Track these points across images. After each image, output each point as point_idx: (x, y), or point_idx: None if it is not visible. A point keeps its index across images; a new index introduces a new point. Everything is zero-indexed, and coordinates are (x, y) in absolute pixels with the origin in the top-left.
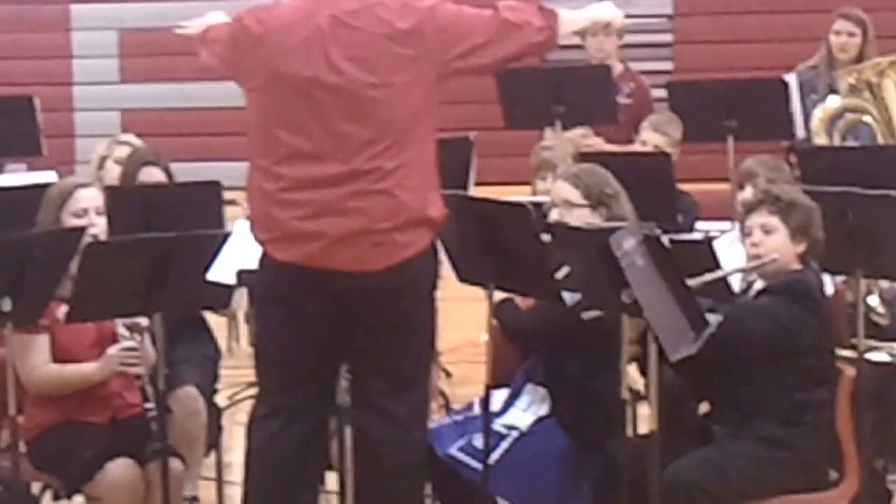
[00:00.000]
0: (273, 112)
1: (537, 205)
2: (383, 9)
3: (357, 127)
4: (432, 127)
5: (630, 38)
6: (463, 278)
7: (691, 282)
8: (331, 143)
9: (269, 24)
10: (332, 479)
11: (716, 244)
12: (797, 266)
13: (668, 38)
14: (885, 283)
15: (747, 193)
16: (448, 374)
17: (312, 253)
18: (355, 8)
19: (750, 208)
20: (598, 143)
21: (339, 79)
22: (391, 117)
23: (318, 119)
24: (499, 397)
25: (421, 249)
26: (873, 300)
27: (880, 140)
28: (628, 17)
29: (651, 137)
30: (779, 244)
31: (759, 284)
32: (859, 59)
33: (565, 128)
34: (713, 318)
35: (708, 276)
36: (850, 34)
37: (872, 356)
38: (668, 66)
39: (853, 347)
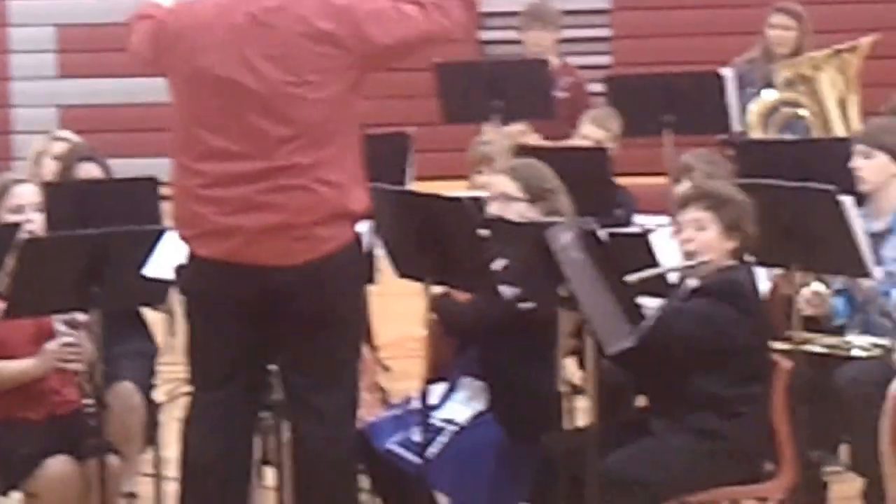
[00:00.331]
0: (192, 109)
1: (475, 199)
2: (302, 7)
3: (273, 124)
4: (355, 122)
5: (568, 33)
6: (401, 273)
7: (628, 278)
8: (248, 141)
9: (186, 21)
10: (270, 475)
11: (654, 237)
12: (730, 262)
13: (606, 32)
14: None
15: (684, 187)
16: (387, 369)
17: (234, 248)
18: (274, 6)
19: (682, 204)
20: (535, 142)
21: (255, 77)
22: (308, 114)
23: (235, 116)
24: (437, 391)
25: (344, 243)
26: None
27: (815, 134)
28: (567, 12)
29: (591, 132)
30: (711, 240)
31: (692, 281)
32: (796, 52)
33: (503, 122)
34: (650, 312)
35: (643, 274)
36: (787, 28)
37: (809, 348)
38: (606, 60)
39: (789, 340)
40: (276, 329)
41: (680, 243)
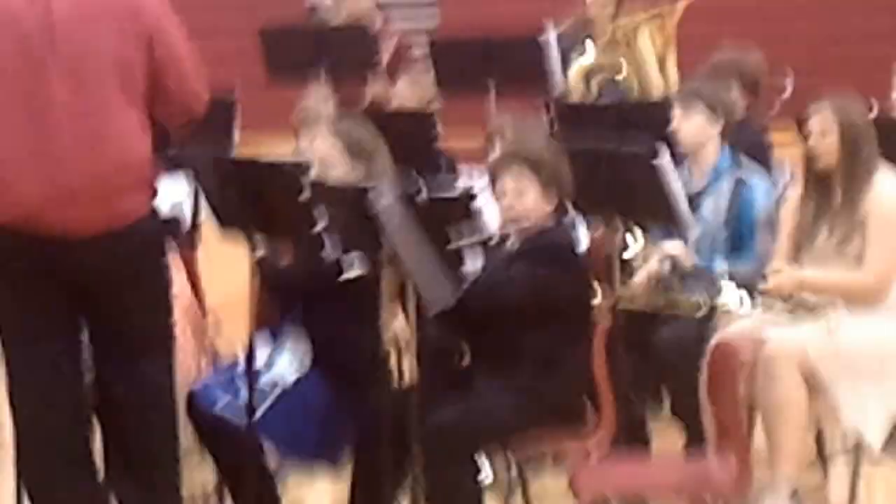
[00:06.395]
0: None
1: (298, 163)
2: None
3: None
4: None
5: None
6: (225, 230)
7: (450, 246)
8: (49, 104)
9: None
10: None
11: (477, 199)
12: (549, 223)
13: None
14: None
15: (498, 151)
16: (216, 332)
17: (32, 214)
18: None
19: (499, 169)
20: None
21: (56, 34)
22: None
23: (36, 77)
24: (263, 353)
25: (149, 211)
26: (629, 253)
27: (634, 95)
28: None
29: (407, 91)
30: (532, 203)
31: (514, 240)
32: (616, 16)
33: (328, 85)
34: (471, 271)
35: (465, 241)
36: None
37: (631, 306)
38: (433, 24)
39: (613, 296)
40: (87, 298)
41: (501, 209)
